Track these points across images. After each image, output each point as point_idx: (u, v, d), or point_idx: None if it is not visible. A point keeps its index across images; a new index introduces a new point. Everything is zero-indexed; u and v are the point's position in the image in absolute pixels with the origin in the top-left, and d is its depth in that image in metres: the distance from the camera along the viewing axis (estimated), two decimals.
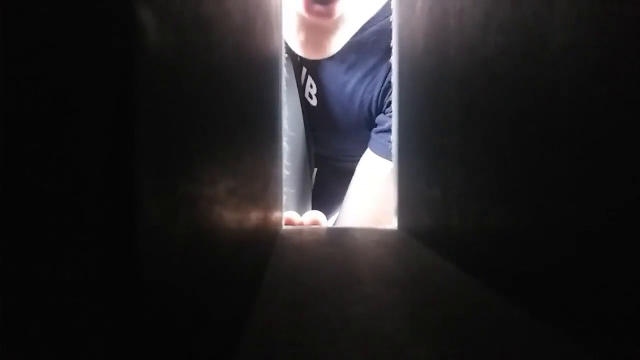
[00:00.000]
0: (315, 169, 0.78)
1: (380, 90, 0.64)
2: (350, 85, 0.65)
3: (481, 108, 0.24)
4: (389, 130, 0.56)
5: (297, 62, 0.68)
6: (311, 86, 0.68)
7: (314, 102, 0.69)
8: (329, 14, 0.57)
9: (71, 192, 0.08)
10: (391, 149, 0.49)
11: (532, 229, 0.19)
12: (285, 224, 0.51)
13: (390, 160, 0.63)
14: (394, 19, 0.47)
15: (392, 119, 0.48)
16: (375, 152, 0.66)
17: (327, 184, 0.79)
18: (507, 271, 0.22)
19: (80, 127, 0.08)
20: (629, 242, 0.14)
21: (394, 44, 0.47)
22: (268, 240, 0.31)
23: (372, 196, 0.66)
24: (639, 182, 0.13)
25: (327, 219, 0.73)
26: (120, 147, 0.08)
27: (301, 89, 0.69)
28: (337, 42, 0.62)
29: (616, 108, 0.14)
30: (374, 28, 0.61)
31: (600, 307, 0.15)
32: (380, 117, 0.65)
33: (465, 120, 0.26)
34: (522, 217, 0.20)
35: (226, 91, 0.15)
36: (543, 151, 0.18)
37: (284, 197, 0.49)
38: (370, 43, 0.62)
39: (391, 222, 0.47)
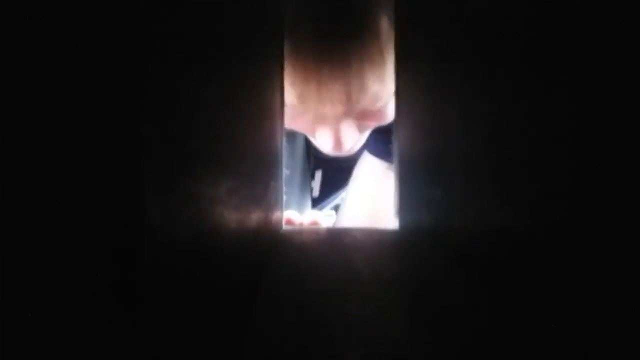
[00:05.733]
0: (320, 171, 0.78)
1: None
2: None
3: (482, 107, 0.24)
4: (386, 131, 0.56)
5: None
6: None
7: None
8: (346, 153, 0.60)
9: (74, 192, 0.08)
10: (389, 149, 0.49)
11: (532, 230, 0.19)
12: (285, 224, 0.51)
13: (387, 160, 0.63)
14: None
15: (392, 119, 0.48)
16: (370, 153, 0.66)
17: (332, 185, 0.79)
18: (508, 271, 0.22)
19: (84, 128, 0.08)
20: (629, 241, 0.14)
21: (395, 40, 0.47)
22: (269, 240, 0.31)
23: (368, 196, 0.66)
24: (638, 183, 0.14)
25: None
26: (124, 148, 0.08)
27: None
28: None
29: (616, 109, 0.14)
30: None
31: (601, 307, 0.15)
32: None
33: (465, 119, 0.26)
34: (523, 218, 0.20)
35: (228, 91, 0.15)
36: (544, 151, 0.18)
37: (284, 197, 0.49)
38: None
39: (389, 221, 0.47)
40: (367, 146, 0.65)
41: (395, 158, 0.46)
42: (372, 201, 0.65)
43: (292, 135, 0.67)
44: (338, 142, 0.56)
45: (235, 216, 0.17)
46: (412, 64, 0.39)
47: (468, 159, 0.26)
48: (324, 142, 0.58)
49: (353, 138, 0.57)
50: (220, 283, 0.14)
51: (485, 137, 0.23)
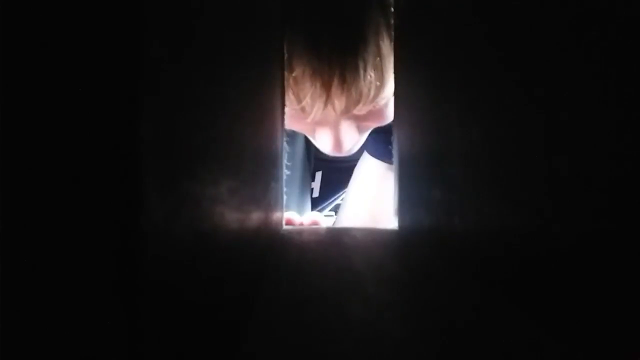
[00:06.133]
0: (320, 172, 0.78)
1: None
2: None
3: (482, 107, 0.24)
4: (386, 132, 0.56)
5: None
6: None
7: None
8: (345, 154, 0.60)
9: (76, 192, 0.08)
10: (388, 150, 0.49)
11: (532, 230, 0.19)
12: (285, 224, 0.51)
13: (386, 161, 0.63)
14: None
15: (392, 119, 0.48)
16: (370, 154, 0.66)
17: (332, 185, 0.79)
18: (507, 271, 0.22)
19: (86, 128, 0.08)
20: (629, 242, 0.14)
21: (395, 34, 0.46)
22: (269, 240, 0.31)
23: (367, 197, 0.66)
24: (637, 185, 0.14)
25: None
26: (125, 148, 0.08)
27: None
28: None
29: (616, 111, 0.14)
30: None
31: (602, 308, 0.15)
32: None
33: (465, 119, 0.26)
34: (522, 218, 0.20)
35: (229, 91, 0.15)
36: (545, 151, 0.18)
37: (285, 198, 0.49)
38: None
39: (388, 222, 0.47)
40: (367, 147, 0.65)
41: (395, 158, 0.46)
42: (372, 202, 0.65)
43: (292, 136, 0.67)
44: (338, 143, 0.56)
45: (236, 216, 0.17)
46: (412, 64, 0.39)
47: (468, 159, 0.26)
48: (323, 143, 0.58)
49: (353, 139, 0.57)
50: (220, 283, 0.14)
51: (485, 138, 0.23)
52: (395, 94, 0.46)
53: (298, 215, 0.56)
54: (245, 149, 0.19)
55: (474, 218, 0.25)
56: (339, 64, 0.49)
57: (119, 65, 0.08)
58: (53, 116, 0.08)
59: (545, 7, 0.18)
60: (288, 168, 0.55)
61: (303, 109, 0.51)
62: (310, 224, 0.53)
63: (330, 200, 0.80)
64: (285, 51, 0.47)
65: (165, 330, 0.09)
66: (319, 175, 0.78)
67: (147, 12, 0.08)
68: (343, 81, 0.49)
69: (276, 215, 0.37)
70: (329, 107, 0.51)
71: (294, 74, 0.49)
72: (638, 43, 0.13)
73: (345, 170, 0.72)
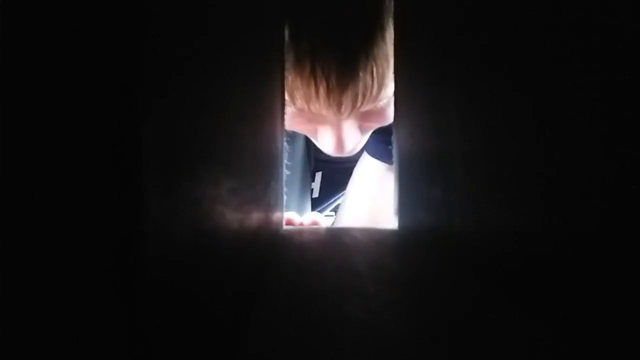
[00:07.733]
0: (320, 172, 0.78)
1: None
2: None
3: (482, 107, 0.24)
4: (386, 132, 0.56)
5: None
6: None
7: None
8: (347, 154, 0.60)
9: (76, 192, 0.08)
10: (388, 150, 0.49)
11: (532, 230, 0.19)
12: (285, 224, 0.51)
13: (386, 162, 0.64)
14: None
15: (392, 119, 0.48)
16: (370, 154, 0.66)
17: (332, 185, 0.79)
18: (508, 271, 0.22)
19: (87, 128, 0.08)
20: (627, 242, 0.14)
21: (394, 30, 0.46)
22: (269, 240, 0.31)
23: (367, 198, 0.66)
24: (635, 184, 0.14)
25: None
26: (126, 148, 0.08)
27: None
28: None
29: (615, 111, 0.14)
30: None
31: (601, 307, 0.15)
32: None
33: (465, 119, 0.26)
34: (523, 218, 0.20)
35: (229, 91, 0.15)
36: (544, 151, 0.18)
37: (285, 198, 0.49)
38: None
39: (388, 223, 0.47)
40: (366, 147, 0.65)
41: (395, 158, 0.46)
42: (371, 202, 0.65)
43: (292, 136, 0.67)
44: (340, 143, 0.56)
45: (236, 216, 0.17)
46: (412, 64, 0.39)
47: (468, 159, 0.26)
48: (326, 143, 0.58)
49: (355, 139, 0.57)
50: (220, 283, 0.14)
51: (485, 137, 0.23)
52: (395, 94, 0.46)
53: (298, 215, 0.56)
54: (245, 149, 0.19)
55: (474, 218, 0.25)
56: (342, 61, 0.48)
57: (119, 66, 0.08)
58: (53, 116, 0.08)
59: (544, 7, 0.18)
60: (288, 168, 0.55)
61: (307, 109, 0.51)
62: (310, 224, 0.53)
63: (330, 201, 0.80)
64: (286, 51, 0.47)
65: (165, 330, 0.09)
66: (319, 175, 0.78)
67: (148, 13, 0.08)
68: (346, 78, 0.49)
69: (276, 215, 0.37)
70: (333, 105, 0.51)
71: (296, 74, 0.49)
72: (637, 44, 0.13)
73: (345, 171, 0.72)
